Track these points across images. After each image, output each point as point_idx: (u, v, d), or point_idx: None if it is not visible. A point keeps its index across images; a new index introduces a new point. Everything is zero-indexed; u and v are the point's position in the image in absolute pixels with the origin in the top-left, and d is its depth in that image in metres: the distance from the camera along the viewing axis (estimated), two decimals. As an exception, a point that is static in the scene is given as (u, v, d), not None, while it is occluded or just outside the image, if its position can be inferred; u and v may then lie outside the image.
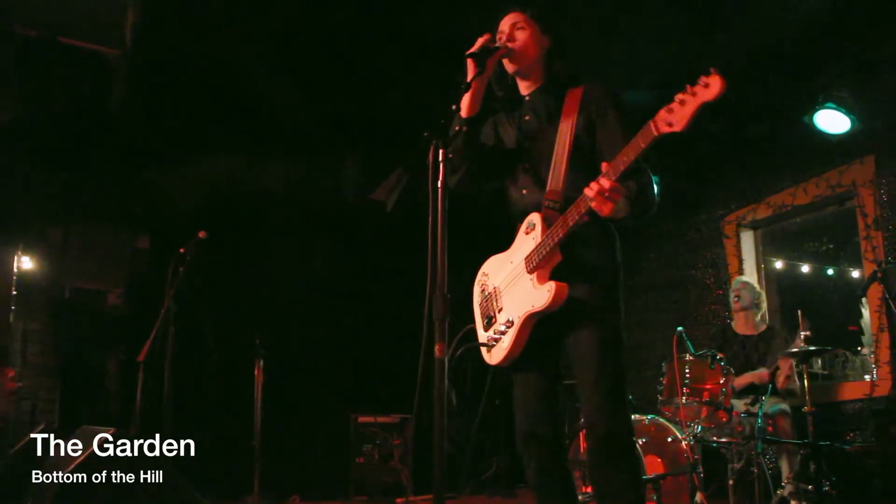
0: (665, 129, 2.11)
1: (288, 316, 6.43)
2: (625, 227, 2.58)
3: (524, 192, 2.64)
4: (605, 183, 2.24)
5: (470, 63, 2.48)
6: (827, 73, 5.10)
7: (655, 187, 2.48)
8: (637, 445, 2.49)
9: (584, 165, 2.50)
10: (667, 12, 4.74)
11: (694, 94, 2.04)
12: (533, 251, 2.49)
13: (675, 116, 2.09)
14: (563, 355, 2.55)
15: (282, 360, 5.68)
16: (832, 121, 5.09)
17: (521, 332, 2.51)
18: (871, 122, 5.09)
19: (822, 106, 5.05)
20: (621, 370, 2.44)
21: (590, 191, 2.27)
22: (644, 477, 4.17)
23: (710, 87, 2.02)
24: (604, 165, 2.28)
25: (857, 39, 5.06)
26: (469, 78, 2.47)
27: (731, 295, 5.25)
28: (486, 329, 2.69)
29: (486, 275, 2.75)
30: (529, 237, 2.54)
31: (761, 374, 4.85)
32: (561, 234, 2.39)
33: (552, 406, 2.56)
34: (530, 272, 2.49)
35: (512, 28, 2.62)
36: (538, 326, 2.50)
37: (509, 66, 2.65)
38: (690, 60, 5.20)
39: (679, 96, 2.07)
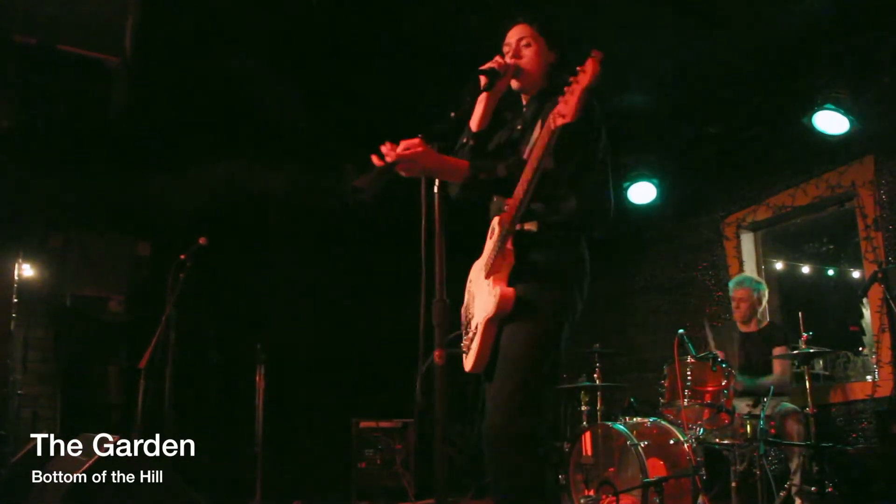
0: (559, 122, 2.13)
1: (289, 321, 6.43)
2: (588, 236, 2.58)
3: (494, 198, 2.65)
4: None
5: (482, 78, 2.49)
6: (825, 74, 5.10)
7: (600, 192, 2.49)
8: (543, 454, 2.42)
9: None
10: (665, 13, 4.74)
11: (577, 82, 2.07)
12: (488, 255, 2.51)
13: (566, 108, 2.11)
14: None
15: (283, 365, 5.69)
16: (831, 121, 5.09)
17: (484, 338, 2.47)
18: (870, 123, 5.09)
19: (820, 107, 5.05)
20: (540, 374, 2.38)
21: None
22: (646, 480, 4.17)
23: (587, 71, 2.06)
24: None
25: (855, 40, 5.06)
26: (482, 86, 2.47)
27: (733, 303, 5.24)
28: (465, 335, 2.68)
29: (471, 280, 2.75)
30: (490, 241, 2.56)
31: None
32: (498, 237, 2.42)
33: None
34: (487, 277, 2.49)
35: (518, 44, 2.61)
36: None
37: (514, 84, 2.64)
38: (689, 62, 5.21)
39: (566, 88, 2.10)
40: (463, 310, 2.74)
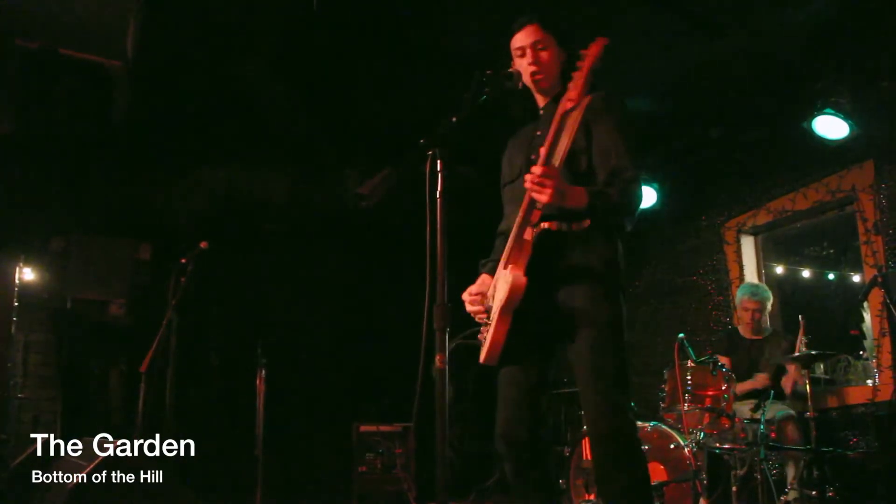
0: (568, 105, 2.31)
1: (289, 325, 6.42)
2: (622, 231, 2.58)
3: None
4: (535, 169, 2.31)
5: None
6: (825, 79, 5.11)
7: (637, 188, 2.49)
8: (642, 446, 2.47)
9: (574, 173, 2.50)
10: (666, 19, 4.75)
11: (580, 68, 2.28)
12: (507, 247, 2.50)
13: (573, 93, 2.28)
14: (554, 364, 2.54)
15: (283, 369, 5.68)
16: (831, 126, 5.10)
17: (498, 327, 2.45)
18: (870, 127, 5.10)
19: (820, 111, 5.06)
20: (621, 371, 2.41)
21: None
22: (647, 483, 4.17)
23: (590, 54, 2.28)
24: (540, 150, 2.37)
25: (855, 45, 5.08)
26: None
27: (746, 313, 5.17)
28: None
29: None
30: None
31: (761, 379, 4.86)
32: (516, 228, 2.43)
33: (533, 411, 2.53)
34: (504, 267, 2.49)
35: (534, 48, 2.61)
36: (528, 328, 2.48)
37: (533, 86, 2.65)
38: (690, 67, 5.22)
39: (573, 74, 2.30)
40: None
